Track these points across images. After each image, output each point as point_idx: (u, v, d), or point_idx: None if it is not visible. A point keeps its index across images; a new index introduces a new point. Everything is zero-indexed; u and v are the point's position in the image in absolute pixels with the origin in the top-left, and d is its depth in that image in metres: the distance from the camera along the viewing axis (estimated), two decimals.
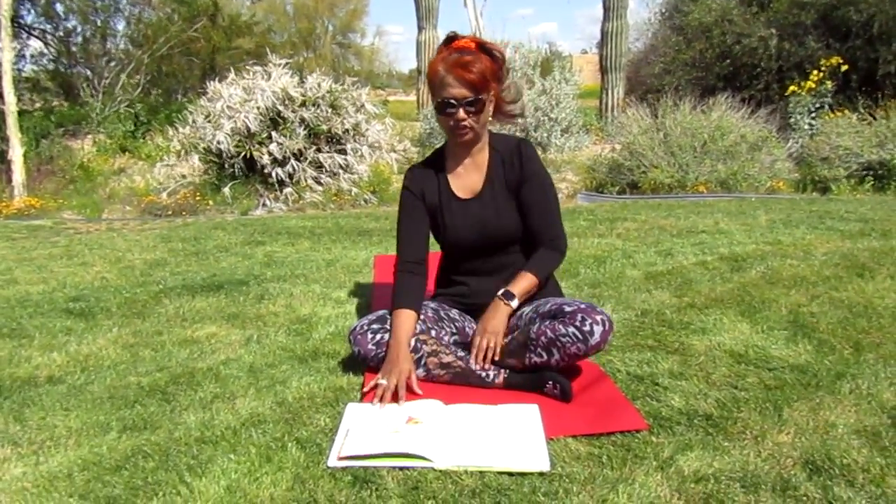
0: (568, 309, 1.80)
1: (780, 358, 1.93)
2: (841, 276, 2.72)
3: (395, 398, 1.73)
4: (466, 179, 2.03)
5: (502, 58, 1.95)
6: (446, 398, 1.76)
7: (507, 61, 1.99)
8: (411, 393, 1.77)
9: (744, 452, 1.44)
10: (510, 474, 1.39)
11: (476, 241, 2.02)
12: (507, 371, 1.87)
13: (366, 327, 1.94)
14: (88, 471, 1.47)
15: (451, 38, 1.94)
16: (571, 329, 1.75)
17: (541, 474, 1.39)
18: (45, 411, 1.80)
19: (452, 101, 1.86)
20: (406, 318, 1.89)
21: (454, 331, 2.03)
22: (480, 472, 1.41)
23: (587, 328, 1.74)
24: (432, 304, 2.06)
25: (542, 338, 1.78)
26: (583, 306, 1.80)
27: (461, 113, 1.87)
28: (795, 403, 1.65)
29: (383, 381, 1.76)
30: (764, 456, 1.42)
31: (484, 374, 1.87)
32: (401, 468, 1.42)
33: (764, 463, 1.40)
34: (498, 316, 1.90)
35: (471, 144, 1.99)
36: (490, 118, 1.97)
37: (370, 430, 1.58)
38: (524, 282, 1.94)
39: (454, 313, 2.06)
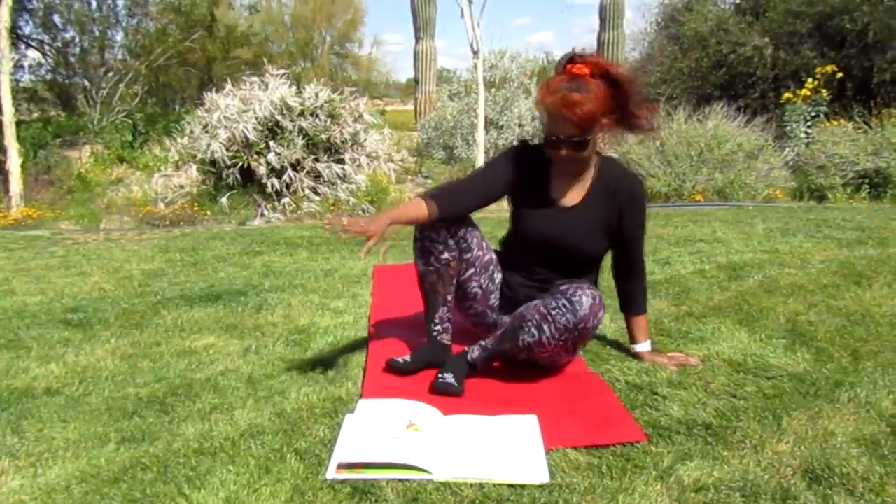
0: (562, 287, 1.87)
1: (779, 366, 1.94)
2: (838, 284, 2.73)
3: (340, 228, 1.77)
4: (566, 188, 2.00)
5: (625, 80, 1.85)
6: (445, 408, 1.76)
7: (633, 81, 1.90)
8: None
9: (743, 462, 1.44)
10: (510, 486, 1.39)
11: (550, 247, 2.02)
12: (478, 352, 1.98)
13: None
14: (86, 483, 1.46)
15: (570, 59, 1.87)
16: (562, 301, 1.81)
17: (540, 485, 1.39)
18: (43, 423, 1.79)
19: (556, 137, 1.85)
20: (417, 207, 1.89)
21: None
22: (480, 483, 1.41)
23: (576, 298, 1.80)
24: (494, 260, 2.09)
25: (536, 315, 1.84)
26: (576, 283, 1.87)
27: (564, 151, 1.86)
28: (794, 412, 1.65)
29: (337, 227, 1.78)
30: (763, 465, 1.42)
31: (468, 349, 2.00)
32: (400, 480, 1.42)
33: (764, 472, 1.40)
34: (660, 357, 2.04)
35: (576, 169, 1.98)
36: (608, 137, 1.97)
37: (370, 435, 1.58)
38: (647, 325, 2.12)
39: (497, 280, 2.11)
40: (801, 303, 2.51)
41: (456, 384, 1.90)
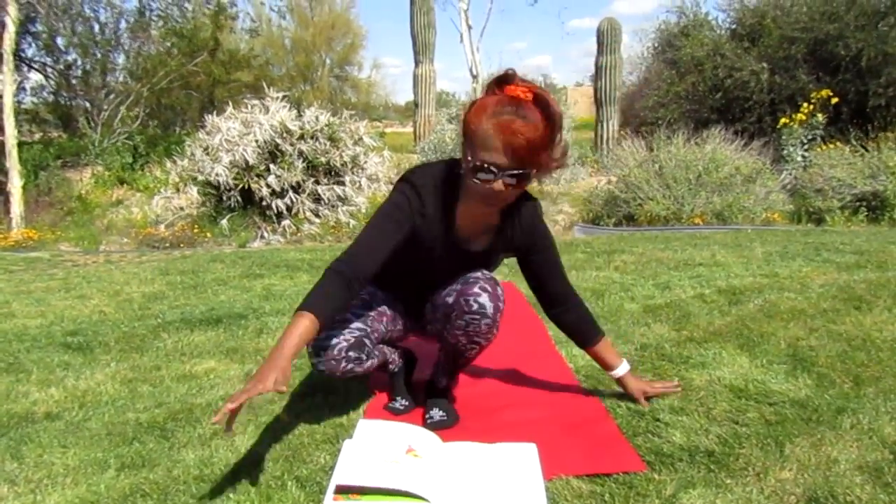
0: (458, 290, 1.75)
1: (781, 392, 1.93)
2: (838, 308, 2.73)
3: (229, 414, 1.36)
4: (473, 230, 1.77)
5: (559, 117, 1.58)
6: (444, 434, 1.75)
7: (561, 119, 1.61)
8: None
9: (746, 489, 1.43)
10: None
11: (449, 276, 1.84)
12: (443, 377, 1.96)
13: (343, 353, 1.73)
14: None
15: (505, 79, 1.57)
16: (467, 316, 1.74)
17: None
18: (43, 448, 1.78)
19: (492, 168, 1.53)
20: (304, 327, 1.50)
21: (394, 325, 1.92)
22: None
23: (479, 305, 1.72)
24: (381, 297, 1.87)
25: (457, 333, 1.78)
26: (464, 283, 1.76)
27: (499, 185, 1.55)
28: (797, 439, 1.65)
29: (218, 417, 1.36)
30: (767, 493, 1.42)
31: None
32: None
33: (767, 500, 1.39)
34: (639, 382, 1.95)
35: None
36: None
37: (368, 458, 1.57)
38: (611, 348, 1.97)
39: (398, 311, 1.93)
40: (801, 327, 2.51)
41: (447, 417, 1.87)
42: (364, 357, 1.76)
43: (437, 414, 1.88)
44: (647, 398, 1.91)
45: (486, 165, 1.54)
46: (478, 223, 1.75)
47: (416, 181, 1.71)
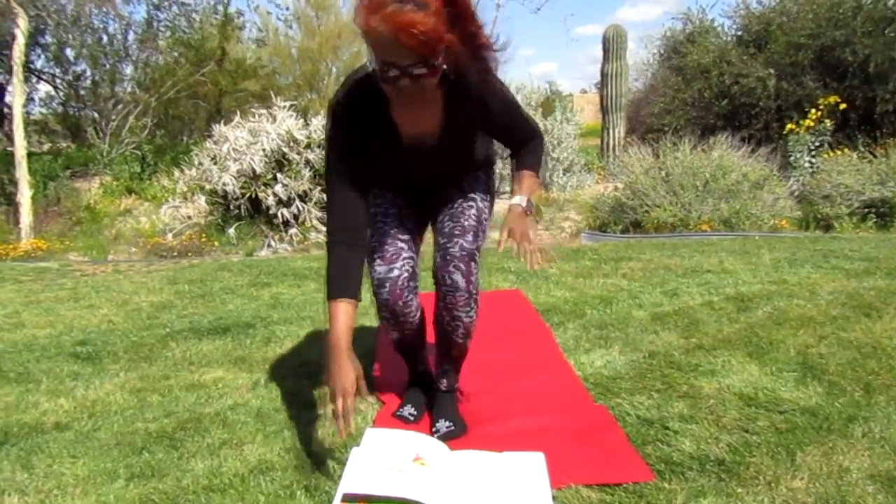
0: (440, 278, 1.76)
1: (791, 400, 1.92)
2: (848, 315, 2.72)
3: (345, 420, 1.55)
4: (421, 126, 1.67)
5: None
6: (452, 443, 1.75)
7: None
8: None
9: (758, 499, 1.42)
10: None
11: (419, 185, 1.84)
12: (444, 378, 1.96)
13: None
14: None
15: None
16: (440, 292, 1.77)
17: None
18: (53, 459, 1.79)
19: (394, 67, 1.42)
20: (345, 314, 1.61)
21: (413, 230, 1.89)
22: None
23: (452, 283, 1.73)
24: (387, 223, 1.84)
25: (448, 319, 1.80)
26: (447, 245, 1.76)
27: (406, 82, 1.44)
28: (808, 447, 1.64)
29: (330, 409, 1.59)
30: (778, 503, 1.41)
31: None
32: None
33: None
34: (519, 220, 1.73)
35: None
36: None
37: (376, 466, 1.57)
38: (528, 181, 1.80)
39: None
40: (810, 335, 2.50)
41: (454, 428, 1.87)
42: (417, 285, 1.83)
43: (443, 426, 1.87)
44: (517, 241, 1.71)
45: (385, 67, 1.43)
46: (421, 118, 1.64)
47: (338, 108, 1.65)
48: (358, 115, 1.64)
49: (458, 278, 1.74)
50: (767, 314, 2.78)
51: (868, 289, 3.11)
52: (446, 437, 1.82)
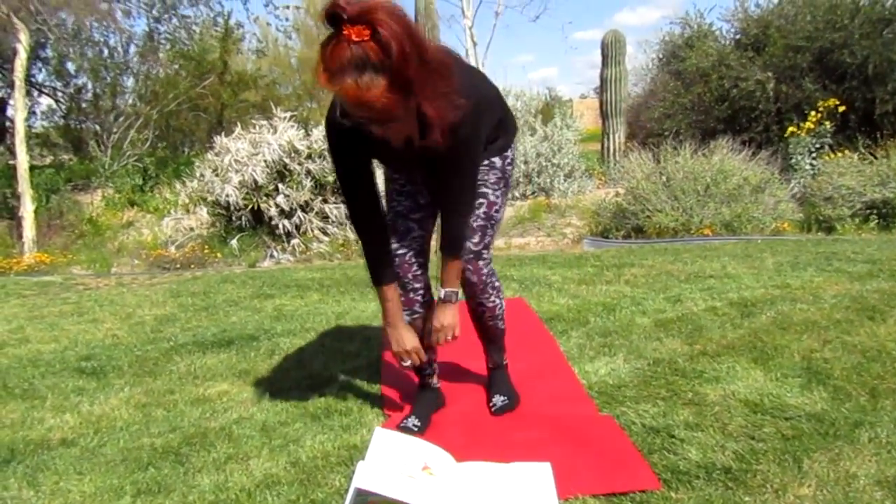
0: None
1: (796, 406, 1.92)
2: (852, 319, 2.71)
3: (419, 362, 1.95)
4: (398, 133, 1.68)
5: (404, 42, 1.40)
6: (458, 452, 1.75)
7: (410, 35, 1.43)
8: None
9: None
10: None
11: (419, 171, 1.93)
12: (494, 355, 2.18)
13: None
14: None
15: (334, 20, 1.40)
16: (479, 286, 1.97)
17: None
18: (59, 475, 1.79)
19: (356, 119, 1.52)
20: (392, 295, 1.92)
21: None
22: None
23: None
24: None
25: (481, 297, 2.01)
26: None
27: (374, 128, 1.56)
28: (815, 454, 1.64)
29: (406, 363, 1.96)
30: None
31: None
32: None
33: None
34: (449, 314, 1.91)
35: None
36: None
37: (387, 468, 1.58)
38: (453, 272, 1.88)
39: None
40: (815, 339, 2.49)
41: (509, 401, 2.10)
42: (426, 261, 1.99)
43: (499, 400, 2.09)
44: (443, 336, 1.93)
45: (348, 118, 1.52)
46: (401, 129, 1.65)
47: (329, 127, 1.79)
48: (347, 130, 1.65)
49: (469, 275, 1.94)
50: (771, 319, 2.78)
51: (872, 291, 3.11)
52: (502, 410, 2.05)
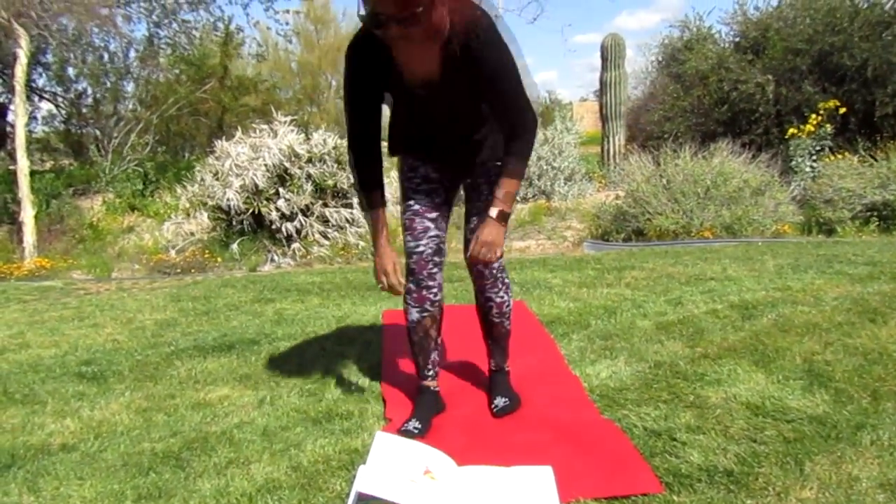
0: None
1: (798, 409, 1.91)
2: (853, 321, 2.71)
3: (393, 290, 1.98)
4: (416, 65, 1.80)
5: None
6: (460, 456, 1.75)
7: None
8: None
9: None
10: None
11: (432, 135, 1.97)
12: (495, 357, 2.20)
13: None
14: None
15: None
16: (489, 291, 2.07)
17: None
18: (60, 481, 1.79)
19: (379, 16, 1.61)
20: (381, 217, 2.01)
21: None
22: None
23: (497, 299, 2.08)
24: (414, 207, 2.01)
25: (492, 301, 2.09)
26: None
27: (395, 30, 1.63)
28: (817, 457, 1.63)
29: (381, 285, 1.99)
30: None
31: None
32: None
33: None
34: (495, 231, 1.88)
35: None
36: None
37: (389, 472, 1.58)
38: (509, 189, 1.88)
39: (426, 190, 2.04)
40: (816, 342, 2.49)
41: (510, 403, 2.11)
42: (442, 259, 2.04)
43: (501, 402, 2.10)
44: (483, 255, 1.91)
45: (373, 15, 1.61)
46: (420, 60, 1.78)
47: (350, 50, 1.86)
48: (367, 55, 1.82)
49: (481, 268, 2.03)
50: (772, 321, 2.78)
51: (873, 294, 3.10)
52: (504, 412, 2.06)
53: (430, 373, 2.11)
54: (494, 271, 2.04)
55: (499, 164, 1.93)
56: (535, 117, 1.89)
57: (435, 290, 2.02)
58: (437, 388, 2.14)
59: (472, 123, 1.96)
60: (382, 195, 2.03)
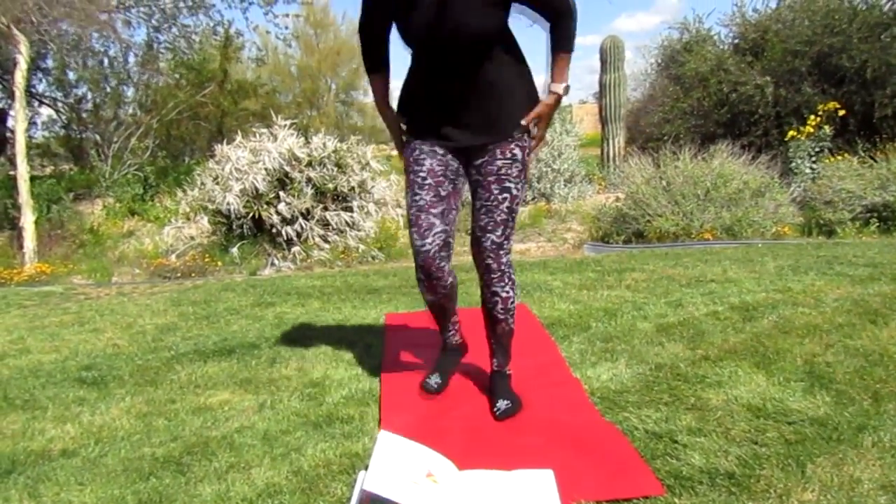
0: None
1: (799, 411, 1.91)
2: (854, 323, 2.71)
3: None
4: None
5: None
6: (461, 460, 1.75)
7: None
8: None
9: None
10: None
11: (443, 41, 1.92)
12: (497, 359, 2.23)
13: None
14: None
15: None
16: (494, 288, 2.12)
17: None
18: (60, 486, 1.79)
19: None
20: (381, 80, 2.18)
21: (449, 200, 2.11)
22: None
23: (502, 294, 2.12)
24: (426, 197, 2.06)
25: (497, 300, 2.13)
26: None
27: None
28: (818, 459, 1.63)
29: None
30: None
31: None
32: None
33: None
34: (552, 109, 2.05)
35: None
36: None
37: (393, 472, 1.58)
38: (563, 64, 2.02)
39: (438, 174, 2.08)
40: (817, 343, 2.49)
41: (511, 405, 2.11)
42: (449, 253, 2.09)
43: (502, 404, 2.11)
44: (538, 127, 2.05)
45: None
46: None
47: None
48: None
49: (490, 262, 2.08)
50: (773, 323, 2.78)
51: (873, 295, 3.10)
52: (506, 415, 2.07)
53: (451, 331, 2.31)
54: (503, 266, 2.09)
55: (509, 140, 2.01)
56: (569, 3, 1.97)
57: (444, 278, 2.10)
58: (457, 342, 2.38)
59: (484, 51, 1.93)
60: (384, 65, 2.16)
